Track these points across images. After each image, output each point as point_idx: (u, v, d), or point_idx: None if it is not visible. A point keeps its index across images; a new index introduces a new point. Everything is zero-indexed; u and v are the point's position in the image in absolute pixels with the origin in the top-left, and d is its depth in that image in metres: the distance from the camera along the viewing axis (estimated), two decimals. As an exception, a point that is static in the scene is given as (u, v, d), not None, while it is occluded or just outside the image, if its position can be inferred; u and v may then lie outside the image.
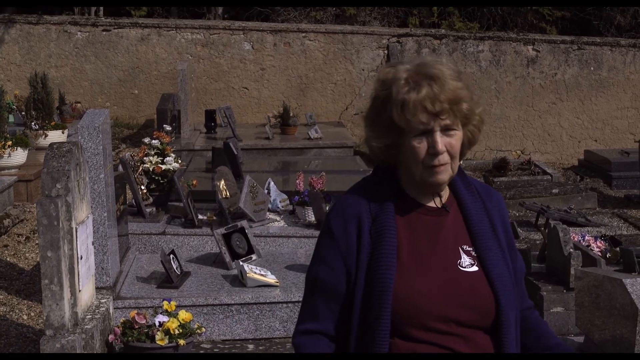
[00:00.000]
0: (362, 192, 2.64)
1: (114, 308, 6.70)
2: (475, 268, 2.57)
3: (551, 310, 7.16)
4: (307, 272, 2.68)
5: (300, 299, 2.87)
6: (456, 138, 2.54)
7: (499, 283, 2.56)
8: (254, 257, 7.78)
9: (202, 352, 6.64)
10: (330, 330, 2.60)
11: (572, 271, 7.01)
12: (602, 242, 8.42)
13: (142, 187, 8.95)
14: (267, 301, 6.98)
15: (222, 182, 8.78)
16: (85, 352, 5.61)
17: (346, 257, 2.57)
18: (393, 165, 2.63)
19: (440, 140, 2.50)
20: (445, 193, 2.65)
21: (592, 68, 15.95)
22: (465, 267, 2.57)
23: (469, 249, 2.60)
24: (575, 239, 8.16)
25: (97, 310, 6.15)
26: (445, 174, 2.54)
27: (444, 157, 2.52)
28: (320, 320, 2.60)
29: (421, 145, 2.51)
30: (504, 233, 2.69)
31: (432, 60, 2.56)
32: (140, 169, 9.07)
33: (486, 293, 2.55)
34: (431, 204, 2.63)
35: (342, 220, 2.60)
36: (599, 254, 8.08)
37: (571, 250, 7.23)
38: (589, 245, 8.22)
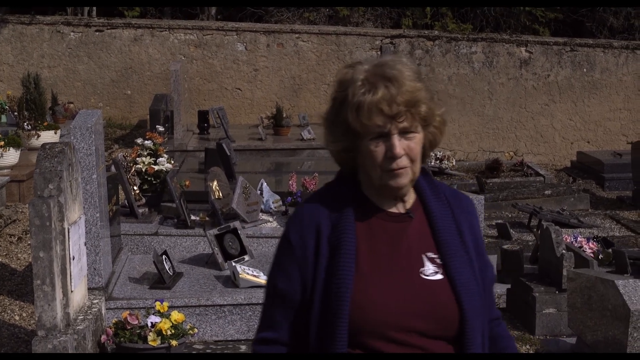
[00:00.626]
0: (323, 198, 2.57)
1: (106, 309, 6.69)
2: (439, 276, 2.48)
3: (543, 312, 7.16)
4: (267, 279, 2.62)
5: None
6: (415, 141, 2.45)
7: (464, 292, 2.47)
8: (246, 257, 7.78)
9: (194, 352, 6.64)
10: (287, 338, 2.54)
11: (565, 272, 7.01)
12: (594, 243, 8.44)
13: (135, 188, 8.94)
14: (260, 302, 6.97)
15: (215, 182, 8.77)
16: (77, 353, 5.60)
17: (302, 266, 2.49)
18: (354, 169, 2.56)
19: (398, 144, 2.42)
20: (411, 198, 2.56)
21: (584, 70, 15.98)
22: (428, 276, 2.47)
23: (434, 256, 2.50)
24: (568, 240, 8.17)
25: (89, 311, 6.14)
26: (404, 178, 2.46)
27: (403, 161, 2.43)
28: (278, 328, 2.54)
29: (378, 149, 2.43)
30: (473, 240, 2.59)
31: (392, 59, 2.47)
32: (133, 169, 9.06)
33: (449, 302, 2.46)
34: (393, 210, 2.54)
35: (299, 228, 2.53)
36: (592, 255, 8.10)
37: (564, 251, 7.24)
38: (581, 247, 8.24)
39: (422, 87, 2.45)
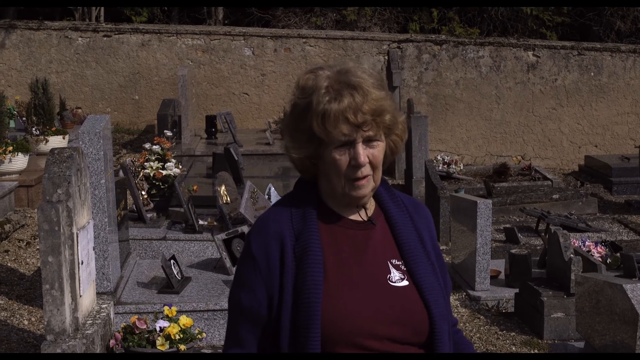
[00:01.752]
0: (284, 208, 2.52)
1: (115, 313, 6.70)
2: (405, 282, 2.47)
3: (552, 316, 7.16)
4: (229, 296, 2.56)
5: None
6: (379, 149, 2.43)
7: (430, 297, 2.46)
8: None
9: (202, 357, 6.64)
10: (255, 353, 2.49)
11: (573, 277, 7.01)
12: (602, 247, 8.43)
13: (143, 193, 8.96)
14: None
15: (223, 187, 8.78)
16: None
17: (267, 280, 2.44)
18: (314, 177, 2.53)
19: (363, 152, 2.40)
20: (371, 206, 2.55)
21: (592, 74, 15.97)
22: (395, 282, 2.46)
23: (398, 263, 2.49)
24: (576, 244, 8.16)
25: (97, 316, 6.15)
26: (367, 188, 2.45)
27: (367, 169, 2.41)
28: (244, 345, 2.49)
29: (343, 157, 2.40)
30: (433, 248, 2.58)
31: (354, 66, 2.44)
32: (141, 174, 9.09)
33: (418, 307, 2.45)
34: (356, 217, 2.52)
35: (262, 240, 2.47)
36: (600, 259, 8.09)
37: (572, 255, 7.23)
38: (589, 251, 8.23)
39: (386, 95, 2.43)
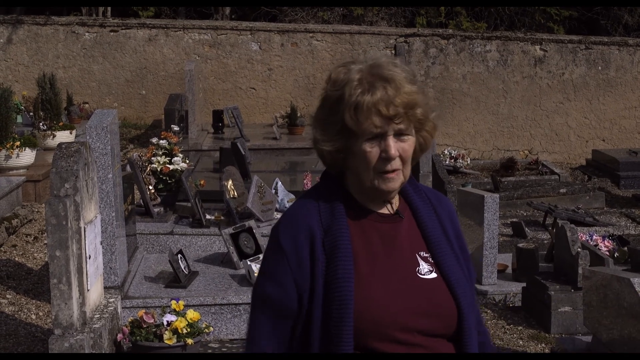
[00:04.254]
0: (312, 202, 2.51)
1: (122, 307, 6.71)
2: (434, 275, 2.48)
3: (559, 310, 7.15)
4: (254, 289, 2.54)
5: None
6: (409, 143, 2.44)
7: (459, 289, 2.48)
8: (261, 256, 7.78)
9: (209, 351, 6.65)
10: (280, 350, 2.48)
11: (580, 270, 7.00)
12: (609, 241, 8.42)
13: (150, 187, 8.97)
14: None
15: (230, 182, 8.79)
16: (94, 352, 5.62)
17: (297, 273, 2.43)
18: (341, 170, 2.53)
19: (394, 145, 2.40)
20: (396, 199, 2.55)
21: (599, 68, 15.93)
22: (424, 275, 2.47)
23: (426, 255, 2.51)
24: (583, 238, 8.16)
25: (105, 310, 6.17)
26: (397, 182, 2.45)
27: (396, 163, 2.42)
28: (270, 340, 2.48)
29: (373, 150, 2.41)
30: (456, 238, 2.60)
31: (386, 61, 2.45)
32: (148, 169, 9.09)
33: (447, 300, 2.47)
34: (383, 211, 2.52)
35: (292, 234, 2.46)
36: (607, 253, 8.09)
37: (579, 249, 7.22)
38: (596, 245, 8.22)
39: (418, 90, 2.44)
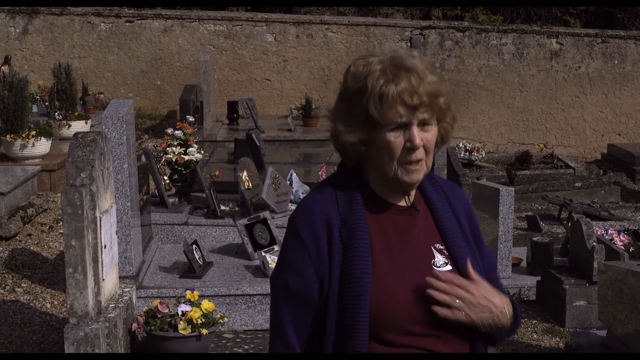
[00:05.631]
0: (329, 192, 2.51)
1: (137, 297, 6.74)
2: (449, 267, 2.49)
3: (574, 304, 7.14)
4: (273, 279, 2.55)
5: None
6: (432, 133, 2.44)
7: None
8: (276, 247, 7.80)
9: (224, 341, 6.66)
10: (304, 340, 2.49)
11: (595, 265, 6.98)
12: (625, 235, 8.39)
13: (165, 178, 8.99)
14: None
15: (245, 173, 8.80)
16: (108, 341, 5.64)
17: (317, 263, 2.44)
18: (359, 162, 2.52)
19: (418, 134, 2.40)
20: (413, 191, 2.55)
21: (616, 61, 15.85)
22: (439, 267, 2.48)
23: (442, 247, 2.52)
24: (598, 232, 8.13)
25: (120, 299, 6.18)
26: (420, 173, 2.45)
27: (420, 153, 2.42)
28: (295, 330, 2.49)
29: (397, 140, 2.41)
30: (471, 229, 2.61)
31: (405, 52, 2.45)
32: (163, 159, 9.11)
33: None
34: (401, 203, 2.52)
35: (310, 224, 2.46)
36: (622, 247, 8.06)
37: (594, 243, 7.20)
38: (612, 239, 8.19)
39: (440, 79, 2.44)
